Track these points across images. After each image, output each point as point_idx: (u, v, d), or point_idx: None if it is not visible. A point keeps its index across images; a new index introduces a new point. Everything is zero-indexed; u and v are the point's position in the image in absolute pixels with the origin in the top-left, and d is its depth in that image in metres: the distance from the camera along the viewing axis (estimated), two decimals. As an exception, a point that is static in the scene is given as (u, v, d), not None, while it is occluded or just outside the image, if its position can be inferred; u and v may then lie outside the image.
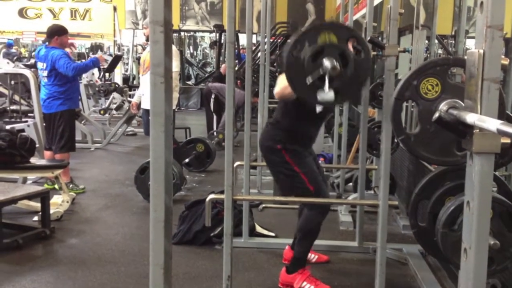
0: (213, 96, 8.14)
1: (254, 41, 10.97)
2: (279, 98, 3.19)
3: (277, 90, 3.06)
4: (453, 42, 9.09)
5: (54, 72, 5.38)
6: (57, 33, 5.49)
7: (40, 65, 5.56)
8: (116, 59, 10.79)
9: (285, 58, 2.48)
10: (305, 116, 3.19)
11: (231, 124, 2.74)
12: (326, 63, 2.36)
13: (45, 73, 5.44)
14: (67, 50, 5.97)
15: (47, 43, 5.57)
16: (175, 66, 5.30)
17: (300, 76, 2.44)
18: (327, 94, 2.41)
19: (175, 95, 5.60)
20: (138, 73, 12.60)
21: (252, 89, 4.10)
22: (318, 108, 3.15)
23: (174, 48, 5.56)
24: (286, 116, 3.25)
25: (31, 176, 5.46)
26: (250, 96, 4.00)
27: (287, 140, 3.20)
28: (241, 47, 12.27)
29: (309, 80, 2.39)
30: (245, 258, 3.77)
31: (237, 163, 4.07)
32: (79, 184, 5.56)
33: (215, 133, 7.75)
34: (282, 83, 2.93)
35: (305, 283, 3.25)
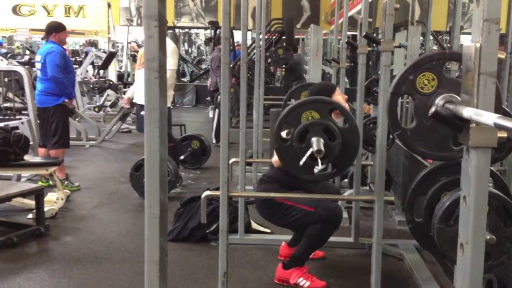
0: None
1: (249, 37, 10.95)
2: (278, 167, 3.24)
3: (275, 159, 3.12)
4: (448, 38, 9.11)
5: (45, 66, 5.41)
6: (55, 30, 5.53)
7: (37, 57, 5.63)
8: (110, 56, 10.75)
9: (274, 143, 2.57)
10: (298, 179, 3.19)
11: (227, 121, 2.73)
12: (313, 145, 2.43)
13: (39, 66, 5.49)
14: (65, 46, 5.96)
15: (45, 39, 5.63)
16: (173, 64, 5.27)
17: (292, 157, 2.52)
18: (322, 169, 2.49)
19: (171, 92, 5.58)
20: (133, 70, 12.57)
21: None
22: (316, 170, 3.17)
23: (173, 45, 5.55)
24: (281, 173, 3.24)
25: (25, 173, 5.44)
26: (245, 92, 3.98)
27: (281, 190, 3.23)
28: (236, 43, 12.25)
29: (301, 162, 2.45)
30: (241, 254, 3.77)
31: (232, 159, 4.05)
32: (74, 182, 5.54)
33: (214, 99, 7.61)
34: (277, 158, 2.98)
35: (301, 279, 3.25)
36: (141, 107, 5.52)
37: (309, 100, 2.72)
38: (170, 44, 5.44)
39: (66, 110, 5.59)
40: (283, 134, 2.65)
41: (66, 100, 5.50)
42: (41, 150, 5.54)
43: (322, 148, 2.43)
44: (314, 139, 2.45)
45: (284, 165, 2.63)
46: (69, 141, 5.70)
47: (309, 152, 2.46)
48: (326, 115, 2.55)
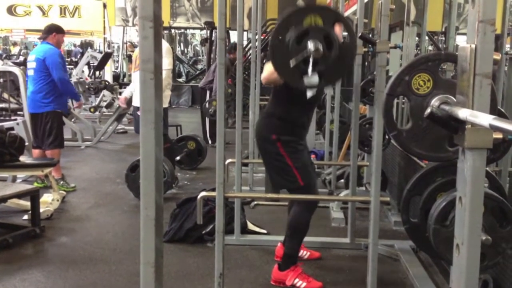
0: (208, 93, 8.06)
1: (245, 38, 10.95)
2: (266, 83, 3.19)
3: (264, 75, 3.08)
4: (443, 38, 9.13)
5: (43, 66, 5.38)
6: (56, 31, 5.58)
7: (30, 57, 5.60)
8: (106, 56, 10.72)
9: (271, 40, 2.48)
10: (296, 103, 3.18)
11: (223, 120, 2.73)
12: (310, 45, 2.36)
13: (33, 65, 5.45)
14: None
15: (42, 39, 5.63)
16: (168, 63, 5.26)
17: (285, 58, 2.44)
18: (311, 77, 2.42)
19: (167, 92, 5.58)
20: (129, 70, 12.54)
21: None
22: (309, 94, 3.14)
23: (166, 45, 5.53)
24: (278, 106, 3.24)
25: (21, 174, 5.42)
26: (241, 93, 3.98)
27: (281, 130, 3.19)
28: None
29: (292, 62, 2.39)
30: (237, 255, 3.76)
31: (228, 160, 4.06)
32: (70, 182, 5.52)
33: (207, 104, 7.59)
34: (268, 69, 2.94)
35: (297, 280, 3.25)
36: (138, 109, 5.52)
37: (317, 6, 2.67)
38: (163, 44, 5.43)
39: (59, 114, 5.59)
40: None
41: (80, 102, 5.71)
42: (35, 151, 5.52)
43: (321, 48, 2.38)
44: (312, 41, 2.40)
45: (275, 66, 2.56)
46: (64, 141, 5.68)
47: (307, 51, 2.38)
48: (330, 25, 2.49)
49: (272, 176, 3.33)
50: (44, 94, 5.40)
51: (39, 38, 6.53)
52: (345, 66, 2.63)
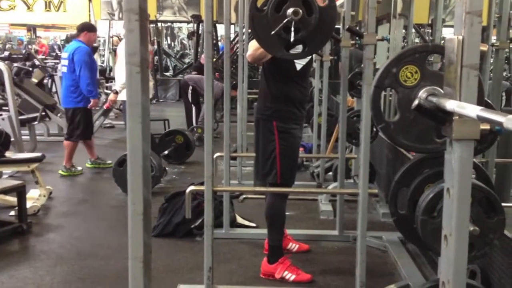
0: (190, 88, 8.05)
1: (232, 31, 10.91)
2: (252, 61, 3.16)
3: (249, 53, 3.05)
4: (430, 31, 9.16)
5: (72, 63, 5.70)
6: (87, 29, 5.92)
7: (63, 55, 6.03)
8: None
9: (249, 10, 2.47)
10: (287, 77, 3.16)
11: (211, 115, 2.72)
12: (289, 10, 2.36)
13: (66, 63, 5.79)
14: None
15: (75, 37, 6.05)
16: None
17: (266, 29, 2.43)
18: (294, 44, 2.43)
19: (150, 84, 5.58)
20: (115, 64, 12.45)
21: (231, 81, 4.06)
22: (298, 66, 3.13)
23: None
24: (270, 84, 3.20)
25: (7, 170, 5.36)
26: (229, 86, 3.97)
27: (280, 116, 3.17)
28: (219, 37, 12.20)
29: (274, 30, 2.38)
30: (226, 249, 3.76)
31: (217, 154, 4.05)
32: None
33: (195, 129, 7.67)
34: (253, 45, 2.92)
35: (286, 272, 3.26)
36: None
37: None
38: None
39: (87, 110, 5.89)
40: None
41: (91, 100, 5.81)
42: (65, 143, 5.89)
43: (300, 12, 2.38)
44: (291, 6, 2.38)
45: (257, 38, 2.54)
46: (91, 134, 6.15)
47: (287, 16, 2.39)
48: None
49: (258, 160, 3.32)
50: (73, 89, 5.74)
51: (72, 36, 6.77)
52: (328, 31, 2.61)
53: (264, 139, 3.22)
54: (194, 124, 7.88)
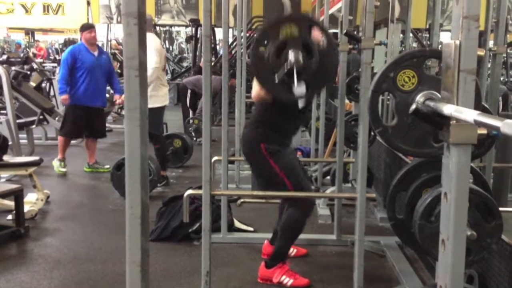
0: (189, 91, 8.06)
1: (230, 35, 10.92)
2: (257, 101, 3.17)
3: (254, 94, 3.07)
4: (428, 35, 9.18)
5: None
6: (81, 29, 6.10)
7: None
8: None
9: (251, 58, 2.49)
10: (286, 113, 3.15)
11: (208, 117, 2.72)
12: (290, 57, 2.36)
13: None
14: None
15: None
16: (155, 61, 5.19)
17: (269, 75, 2.45)
18: (299, 88, 2.42)
19: (164, 90, 5.57)
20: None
21: (229, 70, 4.06)
22: (301, 104, 3.13)
23: (157, 41, 5.50)
24: (264, 116, 3.19)
25: (4, 174, 5.35)
26: (227, 89, 3.97)
27: (270, 140, 3.15)
28: (217, 41, 12.20)
29: (277, 77, 2.39)
30: (224, 253, 3.75)
31: (215, 158, 4.05)
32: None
33: (191, 121, 7.63)
34: (257, 86, 2.93)
35: (284, 277, 3.25)
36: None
37: (290, 16, 2.67)
38: (155, 40, 5.39)
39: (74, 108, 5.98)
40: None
41: (62, 96, 5.93)
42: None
43: (301, 59, 2.38)
44: (292, 51, 2.40)
45: (261, 84, 2.55)
46: (72, 133, 6.17)
47: (289, 63, 2.39)
48: (306, 32, 2.49)
49: (263, 186, 3.32)
50: (70, 88, 5.89)
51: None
52: (329, 71, 2.63)
53: (263, 171, 3.23)
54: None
